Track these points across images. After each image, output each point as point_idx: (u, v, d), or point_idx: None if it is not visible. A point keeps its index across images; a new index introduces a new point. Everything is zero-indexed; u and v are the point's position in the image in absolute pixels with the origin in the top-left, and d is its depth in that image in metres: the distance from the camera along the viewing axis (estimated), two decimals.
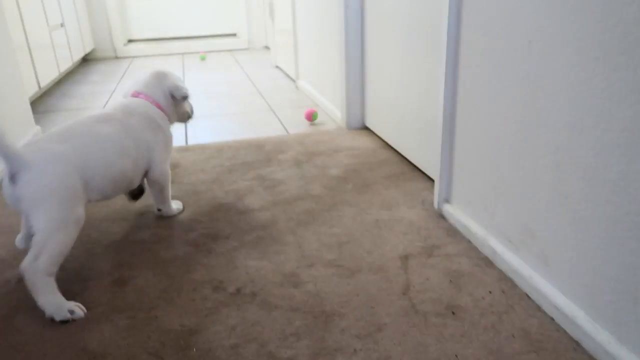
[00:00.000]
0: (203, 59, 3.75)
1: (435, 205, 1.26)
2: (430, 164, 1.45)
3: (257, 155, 1.69)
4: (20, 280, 1.02)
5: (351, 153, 1.69)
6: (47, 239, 0.90)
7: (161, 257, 1.10)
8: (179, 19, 4.32)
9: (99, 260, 1.10)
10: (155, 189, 1.23)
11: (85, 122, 1.08)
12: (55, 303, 0.90)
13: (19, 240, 1.07)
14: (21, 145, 0.95)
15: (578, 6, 0.74)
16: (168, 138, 1.24)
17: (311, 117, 2.08)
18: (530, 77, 0.87)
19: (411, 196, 1.35)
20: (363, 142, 1.80)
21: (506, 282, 0.97)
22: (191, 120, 1.39)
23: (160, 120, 1.22)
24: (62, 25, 2.90)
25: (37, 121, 2.15)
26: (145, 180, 1.24)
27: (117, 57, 4.00)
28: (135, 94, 1.23)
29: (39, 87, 2.34)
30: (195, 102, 2.10)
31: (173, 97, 1.27)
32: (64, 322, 0.90)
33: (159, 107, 1.23)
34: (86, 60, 3.85)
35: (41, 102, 2.55)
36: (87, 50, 3.59)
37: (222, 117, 2.23)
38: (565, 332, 0.83)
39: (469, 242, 1.12)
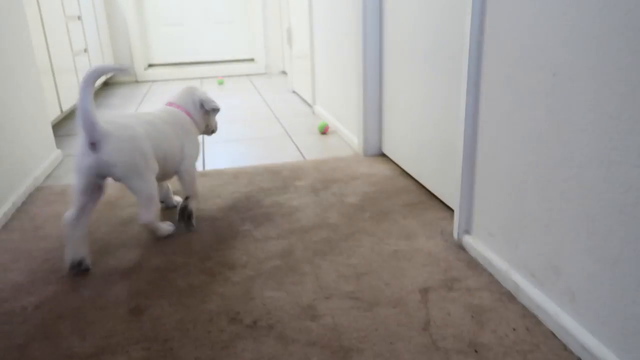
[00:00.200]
0: (221, 83, 3.80)
1: (455, 235, 1.24)
2: (449, 193, 1.43)
3: (274, 182, 1.69)
4: (37, 307, 1.02)
5: (368, 180, 1.68)
6: (150, 193, 1.16)
7: (177, 286, 1.09)
8: (198, 44, 4.41)
9: (115, 287, 1.09)
10: (186, 180, 1.37)
11: (143, 116, 1.26)
12: (166, 227, 1.29)
13: (69, 217, 1.13)
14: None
15: (604, 40, 0.73)
16: (196, 141, 1.42)
17: (324, 129, 2.30)
18: (554, 110, 0.85)
19: (430, 226, 1.33)
20: (380, 169, 1.79)
21: (530, 319, 0.94)
22: (214, 134, 1.57)
23: (190, 126, 1.40)
24: (85, 50, 2.98)
25: (58, 144, 2.19)
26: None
27: (137, 81, 4.08)
28: (169, 104, 1.41)
29: (61, 111, 2.39)
30: None
31: (203, 108, 1.44)
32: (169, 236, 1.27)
33: (189, 115, 1.41)
34: (107, 84, 3.93)
35: (62, 126, 2.59)
36: (109, 74, 3.66)
37: (239, 142, 2.24)
38: None
39: (491, 275, 1.09)
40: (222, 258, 1.20)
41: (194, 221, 1.36)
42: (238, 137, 2.32)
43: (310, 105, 2.92)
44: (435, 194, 1.51)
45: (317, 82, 2.69)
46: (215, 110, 1.46)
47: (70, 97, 2.56)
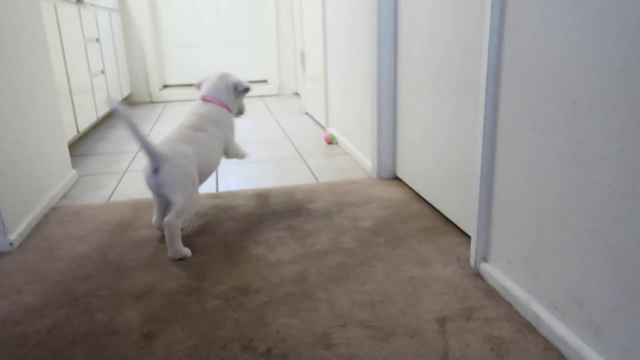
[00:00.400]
0: None
1: (472, 263, 1.22)
2: (465, 219, 1.41)
3: (287, 205, 1.68)
4: (50, 331, 1.02)
5: (382, 204, 1.66)
6: (184, 207, 1.32)
7: (190, 311, 1.08)
8: (212, 65, 4.47)
9: (128, 312, 1.08)
10: (236, 155, 1.66)
11: (188, 131, 1.45)
12: (179, 249, 1.31)
13: (155, 220, 1.44)
14: (158, 145, 1.33)
15: (627, 69, 0.72)
16: (232, 126, 1.62)
17: (329, 140, 2.48)
18: (576, 139, 0.84)
19: (446, 252, 1.31)
20: (394, 192, 1.78)
21: (552, 352, 0.91)
22: (242, 116, 1.75)
23: (226, 118, 1.59)
24: (102, 72, 3.03)
25: (74, 164, 2.21)
26: None
27: (152, 102, 4.13)
28: (203, 98, 1.57)
29: (78, 131, 2.42)
30: None
31: (236, 91, 1.61)
32: (180, 259, 1.32)
33: (224, 106, 1.58)
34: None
35: (78, 146, 2.62)
36: (125, 94, 3.72)
37: (252, 163, 2.25)
38: None
39: (510, 305, 1.06)
40: (236, 282, 1.19)
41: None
42: (251, 158, 2.33)
43: (323, 127, 2.93)
44: (451, 219, 1.50)
45: (331, 104, 2.70)
46: (247, 90, 1.63)
47: (87, 117, 2.60)
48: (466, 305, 1.07)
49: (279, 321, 1.03)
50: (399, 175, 1.90)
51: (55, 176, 1.81)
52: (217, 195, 1.80)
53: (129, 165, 2.24)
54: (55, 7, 2.21)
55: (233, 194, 1.81)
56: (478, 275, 1.19)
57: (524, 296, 1.03)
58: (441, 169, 1.52)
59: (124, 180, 2.03)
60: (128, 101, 4.07)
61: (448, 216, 1.51)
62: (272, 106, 3.80)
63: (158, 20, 4.30)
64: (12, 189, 1.43)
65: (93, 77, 2.79)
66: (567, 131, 0.86)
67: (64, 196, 1.84)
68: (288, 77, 4.39)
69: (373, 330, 0.99)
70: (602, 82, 0.78)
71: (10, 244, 1.38)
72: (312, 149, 2.48)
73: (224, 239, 1.43)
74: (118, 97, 3.47)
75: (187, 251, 1.33)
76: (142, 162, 1.47)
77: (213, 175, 2.07)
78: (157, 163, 1.30)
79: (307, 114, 3.42)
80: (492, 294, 1.11)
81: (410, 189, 1.80)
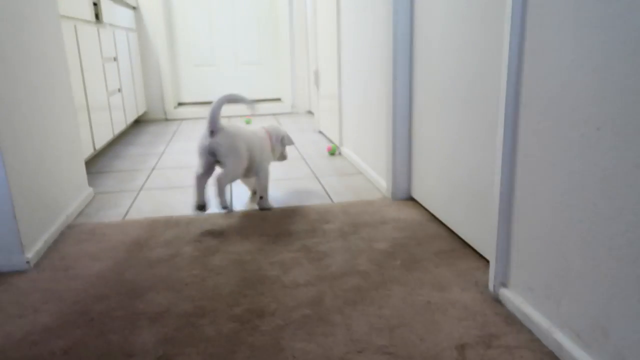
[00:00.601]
0: (248, 122, 3.87)
1: (491, 288, 1.20)
2: (483, 242, 1.39)
3: (302, 225, 1.68)
4: (65, 352, 1.01)
5: (398, 225, 1.65)
6: (231, 169, 1.67)
7: (205, 334, 1.07)
8: (226, 84, 4.52)
9: (143, 333, 1.08)
10: (261, 182, 1.85)
11: (248, 129, 1.83)
12: (223, 201, 1.69)
13: (197, 172, 1.69)
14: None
15: None
16: (269, 156, 1.92)
17: (331, 150, 2.71)
18: (599, 165, 0.83)
19: (464, 276, 1.29)
20: (409, 214, 1.76)
21: None
22: (284, 160, 2.10)
23: (267, 147, 1.91)
24: (119, 90, 3.07)
25: (90, 182, 2.23)
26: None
27: (166, 119, 4.18)
28: (263, 128, 1.95)
29: (94, 149, 2.45)
30: None
31: (282, 141, 1.99)
32: (224, 208, 1.73)
33: (271, 140, 1.95)
34: (138, 122, 4.03)
35: (94, 163, 2.65)
36: (140, 112, 3.77)
37: None
38: None
39: (530, 332, 1.04)
40: (251, 305, 1.18)
41: (268, 205, 1.87)
42: None
43: (337, 146, 2.93)
44: (468, 241, 1.48)
45: (345, 123, 2.70)
46: (290, 144, 2.03)
47: (104, 134, 2.63)
48: (486, 332, 1.05)
49: (295, 346, 1.02)
50: (414, 196, 1.89)
51: (72, 194, 1.83)
52: (231, 215, 1.80)
53: (143, 183, 2.25)
54: (75, 27, 2.26)
55: (247, 214, 1.81)
56: (497, 301, 1.17)
57: (545, 324, 1.00)
58: (458, 191, 1.51)
59: (139, 199, 2.04)
60: (143, 118, 4.12)
61: (465, 239, 1.49)
62: (286, 124, 3.82)
63: (174, 40, 4.37)
64: (30, 206, 1.44)
65: (110, 95, 2.83)
66: (590, 157, 0.85)
67: (80, 214, 1.86)
68: (301, 95, 4.42)
69: (391, 357, 0.97)
70: (626, 108, 0.77)
71: (27, 262, 1.38)
72: (326, 168, 2.48)
73: (239, 259, 1.43)
74: (135, 114, 3.52)
75: (230, 205, 1.77)
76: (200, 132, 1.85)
77: (227, 195, 2.07)
78: (214, 127, 1.64)
79: (320, 132, 3.43)
80: (512, 320, 1.08)
81: (426, 210, 1.79)
